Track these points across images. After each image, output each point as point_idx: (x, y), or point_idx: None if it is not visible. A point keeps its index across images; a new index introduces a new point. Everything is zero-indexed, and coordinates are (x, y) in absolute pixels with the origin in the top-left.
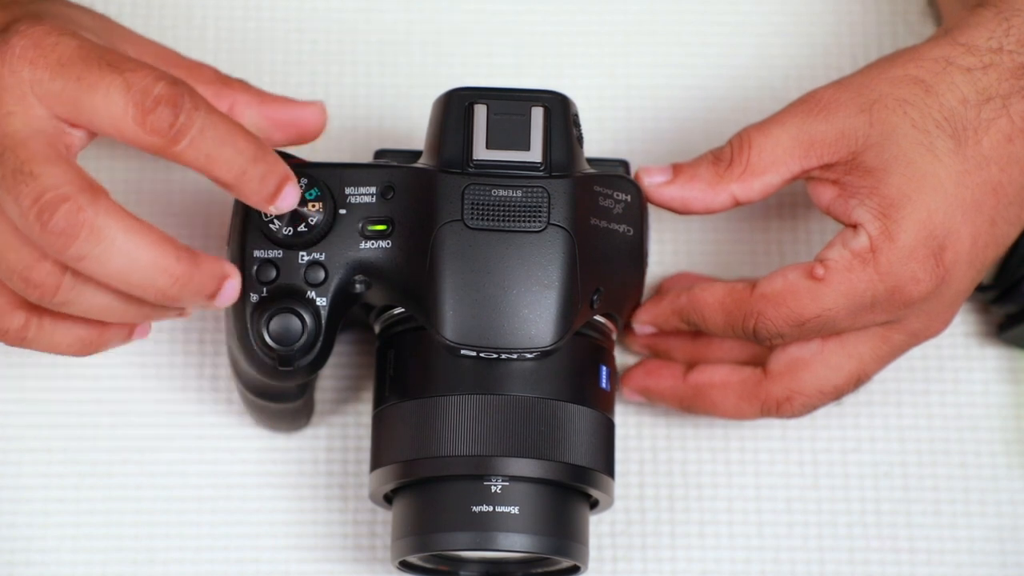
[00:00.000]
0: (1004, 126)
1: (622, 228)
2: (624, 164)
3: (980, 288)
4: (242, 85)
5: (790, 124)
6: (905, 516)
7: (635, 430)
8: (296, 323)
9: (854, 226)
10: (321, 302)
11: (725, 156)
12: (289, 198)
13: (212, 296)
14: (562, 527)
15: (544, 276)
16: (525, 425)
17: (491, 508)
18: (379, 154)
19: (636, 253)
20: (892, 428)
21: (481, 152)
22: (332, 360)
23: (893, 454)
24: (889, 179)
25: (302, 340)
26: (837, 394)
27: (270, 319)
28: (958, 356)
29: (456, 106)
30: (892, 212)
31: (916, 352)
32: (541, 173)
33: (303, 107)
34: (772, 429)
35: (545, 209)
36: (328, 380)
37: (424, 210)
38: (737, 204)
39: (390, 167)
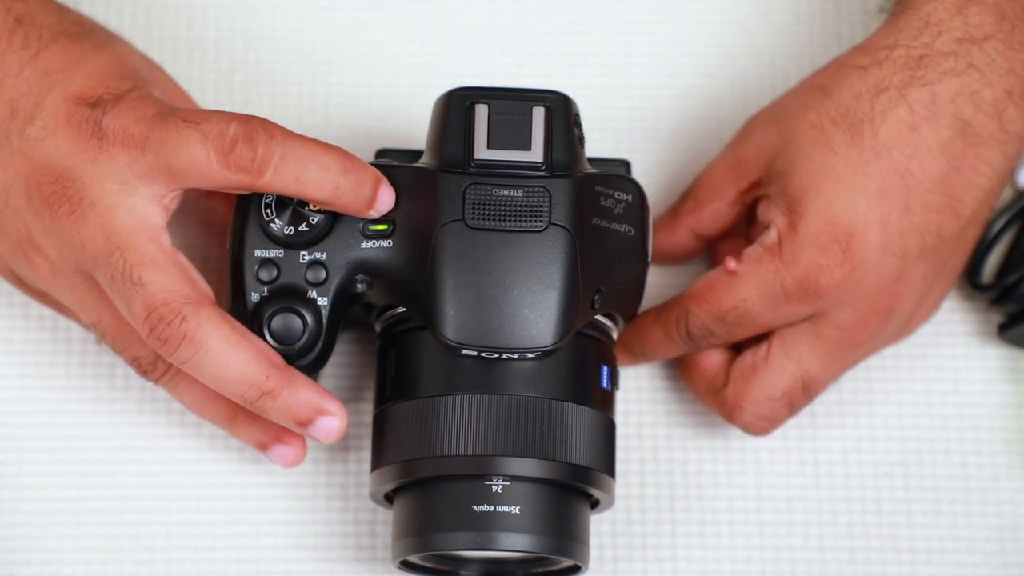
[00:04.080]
0: (903, 115)
1: (623, 228)
2: (625, 164)
3: (980, 288)
4: None
5: (725, 152)
6: (905, 516)
7: (635, 430)
8: (297, 322)
9: (768, 224)
10: (322, 301)
11: (682, 196)
12: (386, 199)
13: (303, 424)
14: (563, 527)
15: (545, 276)
16: (526, 425)
17: (492, 508)
18: (380, 154)
19: (637, 253)
20: (892, 428)
21: (482, 152)
22: (333, 360)
23: (893, 454)
24: (792, 178)
25: (303, 340)
26: (787, 400)
27: (271, 318)
28: (958, 356)
29: (457, 106)
30: (796, 206)
31: (916, 352)
32: (542, 173)
33: None
34: None
35: (546, 209)
36: (329, 380)
37: (425, 210)
38: (699, 239)
39: (391, 167)
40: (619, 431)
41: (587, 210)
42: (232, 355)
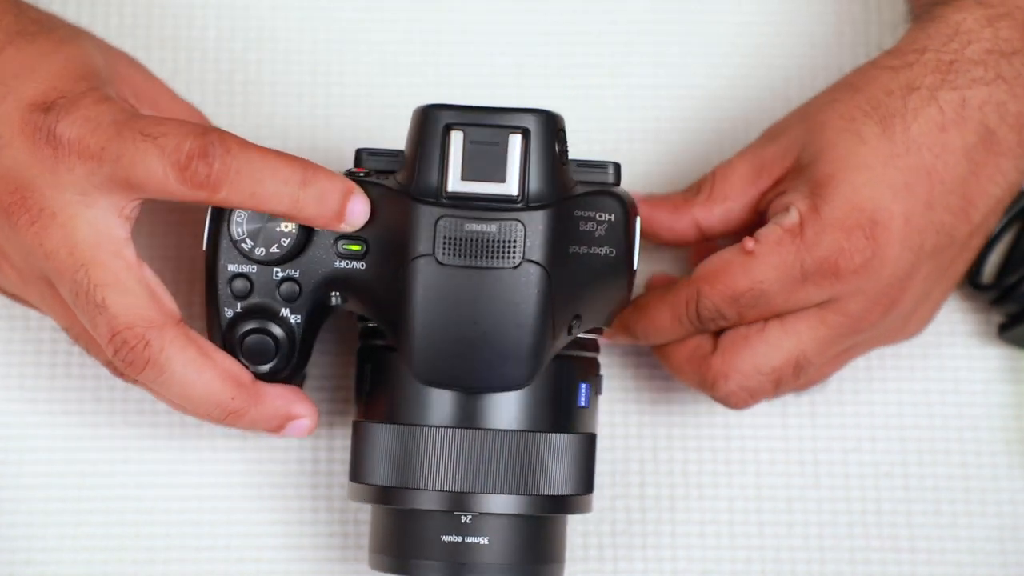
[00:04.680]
0: (934, 114)
1: (604, 251)
2: (616, 166)
3: (980, 288)
4: None
5: (747, 154)
6: (905, 516)
7: (635, 430)
8: (269, 344)
9: (787, 208)
10: (295, 319)
11: (694, 187)
12: (357, 212)
13: (274, 431)
14: (535, 554)
15: (518, 315)
16: (501, 460)
17: (460, 539)
18: (358, 153)
19: (620, 270)
20: (892, 428)
21: (456, 184)
22: (328, 360)
23: (893, 454)
24: (817, 166)
25: (275, 361)
26: (774, 376)
27: (243, 339)
28: (958, 356)
29: (433, 128)
30: (820, 190)
31: (916, 352)
32: (518, 206)
33: None
34: (773, 429)
35: (520, 244)
36: (327, 380)
37: (398, 238)
38: (700, 232)
39: (367, 184)
40: (619, 431)
41: (564, 240)
42: (196, 378)
